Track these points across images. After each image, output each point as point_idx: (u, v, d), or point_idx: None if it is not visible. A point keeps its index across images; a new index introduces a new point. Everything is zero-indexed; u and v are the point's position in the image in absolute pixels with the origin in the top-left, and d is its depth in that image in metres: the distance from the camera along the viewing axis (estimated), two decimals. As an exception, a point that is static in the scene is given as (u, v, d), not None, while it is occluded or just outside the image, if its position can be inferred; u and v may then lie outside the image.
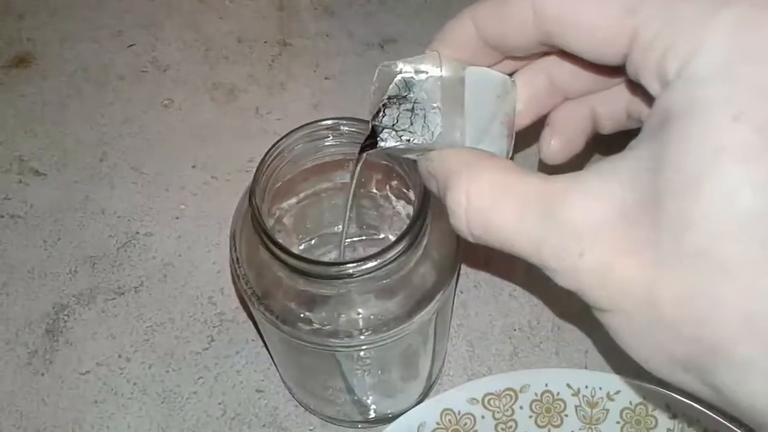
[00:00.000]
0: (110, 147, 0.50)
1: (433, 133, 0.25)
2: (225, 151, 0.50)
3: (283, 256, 0.27)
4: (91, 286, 0.44)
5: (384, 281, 0.28)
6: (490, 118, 0.26)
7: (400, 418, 0.36)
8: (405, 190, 0.36)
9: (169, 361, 0.41)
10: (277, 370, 0.40)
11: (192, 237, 0.46)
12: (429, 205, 0.28)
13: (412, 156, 0.26)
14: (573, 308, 0.42)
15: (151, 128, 0.51)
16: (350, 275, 0.26)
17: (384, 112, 0.26)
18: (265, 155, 0.29)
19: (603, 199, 0.19)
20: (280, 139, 0.30)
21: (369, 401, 0.38)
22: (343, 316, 0.30)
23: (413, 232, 0.27)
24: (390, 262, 0.26)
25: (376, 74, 0.26)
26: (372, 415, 0.38)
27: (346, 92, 0.52)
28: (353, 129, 0.30)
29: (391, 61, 0.25)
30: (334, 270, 0.27)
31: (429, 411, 0.36)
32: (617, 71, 0.21)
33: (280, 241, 0.27)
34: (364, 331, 0.29)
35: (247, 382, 0.40)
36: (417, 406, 0.36)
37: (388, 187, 0.36)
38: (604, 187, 0.19)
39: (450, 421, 0.36)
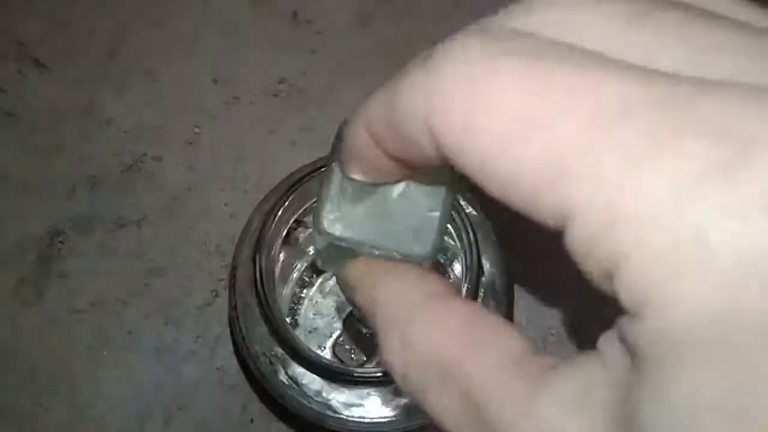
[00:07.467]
0: (123, 42, 0.43)
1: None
2: (252, 66, 0.42)
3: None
4: (89, 211, 0.39)
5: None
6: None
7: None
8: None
9: (168, 312, 0.37)
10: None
11: (204, 169, 0.40)
12: None
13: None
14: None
15: (170, 24, 0.43)
16: (363, 380, 0.21)
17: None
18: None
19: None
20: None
21: None
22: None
23: None
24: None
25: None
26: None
27: (407, 6, 0.43)
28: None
29: None
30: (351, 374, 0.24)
31: None
32: None
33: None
34: None
35: (251, 349, 0.36)
36: None
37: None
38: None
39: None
